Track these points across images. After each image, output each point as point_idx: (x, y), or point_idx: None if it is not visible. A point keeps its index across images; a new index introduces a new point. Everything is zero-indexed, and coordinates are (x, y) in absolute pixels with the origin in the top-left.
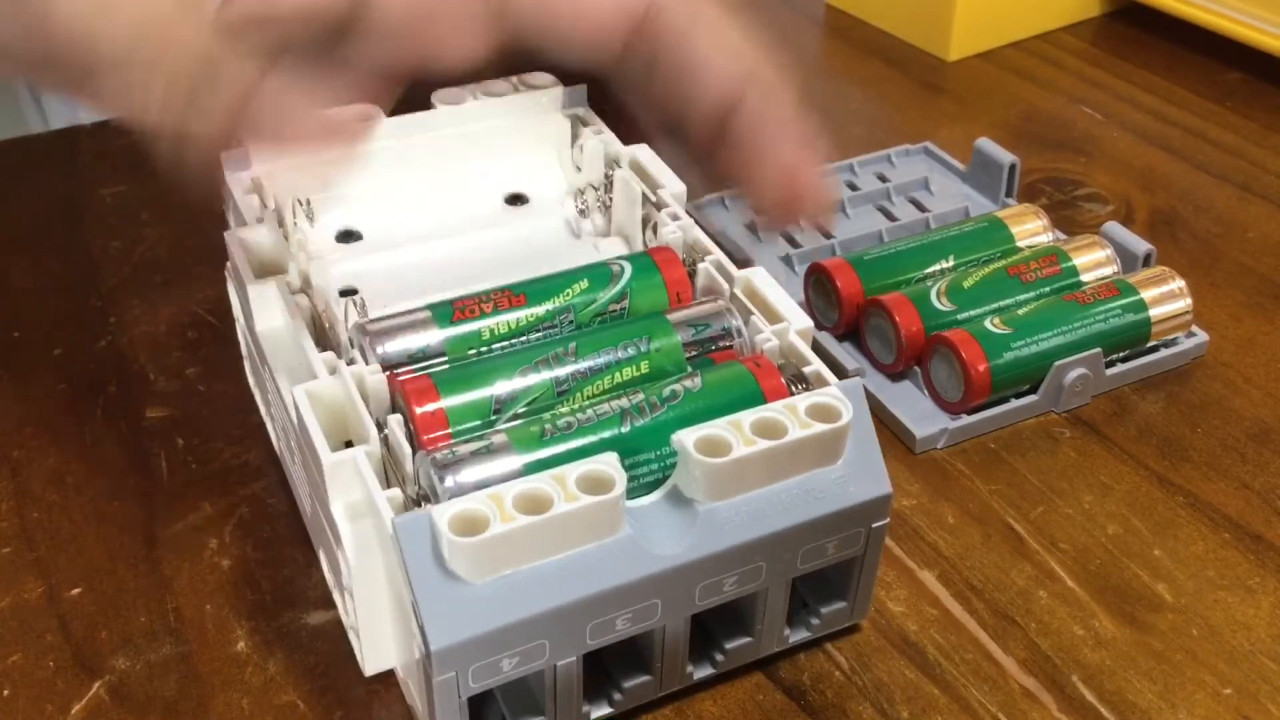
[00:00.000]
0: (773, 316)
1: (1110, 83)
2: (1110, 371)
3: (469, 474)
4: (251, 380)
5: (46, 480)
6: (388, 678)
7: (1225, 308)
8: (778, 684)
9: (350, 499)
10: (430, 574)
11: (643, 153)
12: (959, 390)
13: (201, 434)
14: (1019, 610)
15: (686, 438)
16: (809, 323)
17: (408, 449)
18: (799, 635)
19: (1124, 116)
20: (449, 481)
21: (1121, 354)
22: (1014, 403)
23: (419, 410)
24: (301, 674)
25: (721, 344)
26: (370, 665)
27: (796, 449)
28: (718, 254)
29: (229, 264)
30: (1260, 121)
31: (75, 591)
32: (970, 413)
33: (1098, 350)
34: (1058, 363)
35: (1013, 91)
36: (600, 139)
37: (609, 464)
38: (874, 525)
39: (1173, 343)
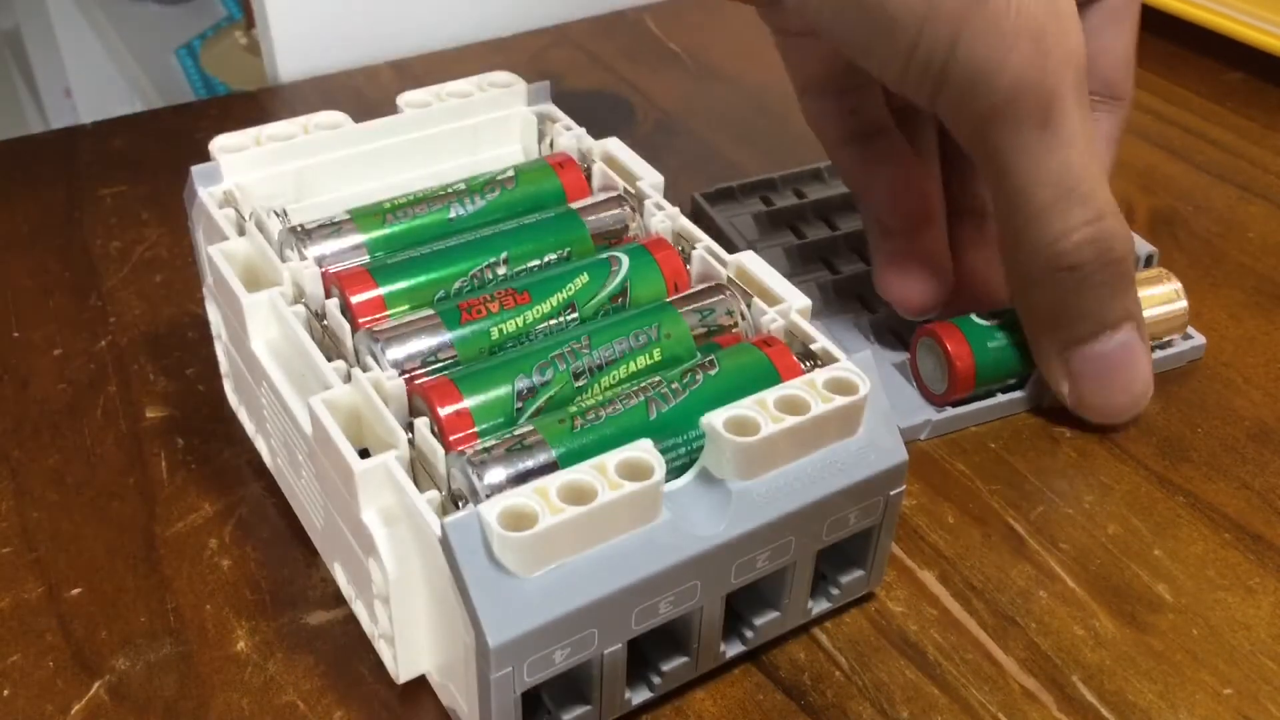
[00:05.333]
0: (770, 298)
1: None
2: None
3: (506, 470)
4: (234, 399)
5: (46, 480)
6: (389, 678)
7: (1225, 308)
8: (778, 684)
9: (382, 505)
10: (483, 572)
11: (614, 146)
12: (943, 383)
13: (201, 434)
14: (1019, 610)
15: (715, 419)
16: (807, 301)
17: (440, 450)
18: (820, 606)
19: None
20: (488, 479)
21: None
22: (1000, 397)
23: (443, 411)
24: (301, 674)
25: (727, 327)
26: (405, 672)
27: (820, 423)
28: (708, 240)
29: (207, 282)
30: (1260, 121)
31: (75, 591)
32: (955, 405)
33: None
34: None
35: None
36: (571, 134)
37: (646, 450)
38: (891, 493)
39: (1168, 345)
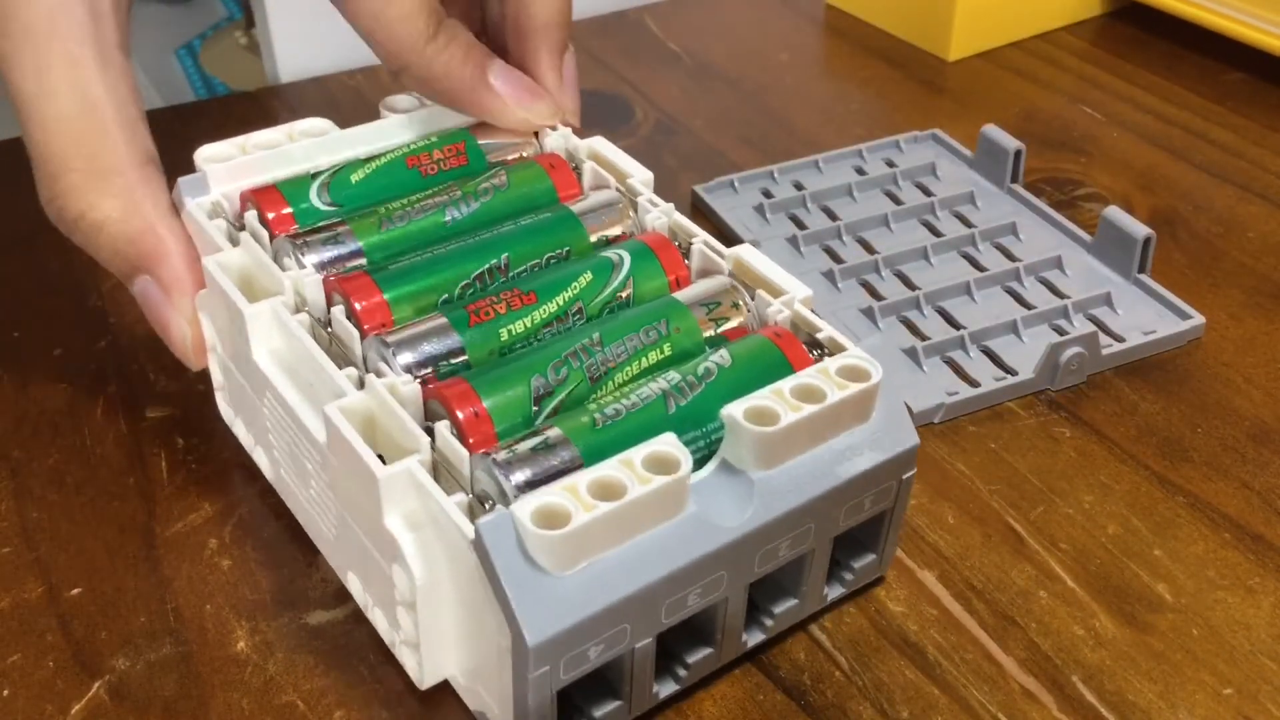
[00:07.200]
0: (771, 289)
1: (1110, 83)
2: (1106, 351)
3: (532, 470)
4: (229, 413)
5: (46, 480)
6: (388, 678)
7: (1225, 308)
8: (778, 684)
9: (406, 511)
10: (519, 572)
11: (600, 144)
12: None
13: (201, 434)
14: (1019, 610)
15: (735, 410)
16: (809, 291)
17: (465, 453)
18: (835, 592)
19: (1124, 116)
20: (516, 479)
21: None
22: (1009, 380)
23: (461, 414)
24: (301, 674)
25: (733, 320)
26: (429, 678)
27: (837, 410)
28: (704, 235)
29: (200, 294)
30: (1260, 121)
31: (75, 591)
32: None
33: (1094, 330)
34: (1053, 341)
35: (1013, 91)
36: (558, 133)
37: (671, 444)
38: (904, 477)
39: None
